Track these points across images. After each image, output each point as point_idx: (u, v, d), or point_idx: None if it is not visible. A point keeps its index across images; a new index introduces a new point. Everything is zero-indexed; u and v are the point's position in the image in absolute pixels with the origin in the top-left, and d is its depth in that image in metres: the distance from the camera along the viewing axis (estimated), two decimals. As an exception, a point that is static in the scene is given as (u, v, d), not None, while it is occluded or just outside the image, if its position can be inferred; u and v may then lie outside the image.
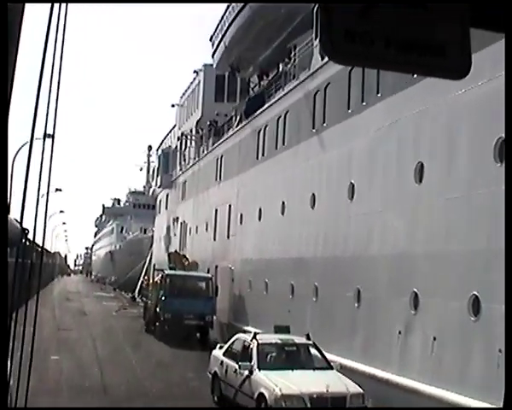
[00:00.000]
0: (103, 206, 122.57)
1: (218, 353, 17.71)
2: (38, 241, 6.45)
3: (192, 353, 25.55)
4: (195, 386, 19.16)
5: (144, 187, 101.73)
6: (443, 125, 15.44)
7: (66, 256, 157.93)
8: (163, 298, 30.50)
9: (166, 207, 53.79)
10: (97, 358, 23.07)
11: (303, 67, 25.34)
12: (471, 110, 14.24)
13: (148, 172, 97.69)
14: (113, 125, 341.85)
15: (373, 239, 18.26)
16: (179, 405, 16.70)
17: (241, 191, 31.28)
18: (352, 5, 2.34)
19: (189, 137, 46.65)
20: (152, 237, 64.89)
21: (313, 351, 16.11)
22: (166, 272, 32.76)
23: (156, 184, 59.23)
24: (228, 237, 33.08)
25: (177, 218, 47.14)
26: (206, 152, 41.03)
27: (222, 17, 36.83)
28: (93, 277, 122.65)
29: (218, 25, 37.87)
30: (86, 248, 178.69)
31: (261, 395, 14.24)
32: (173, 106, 53.39)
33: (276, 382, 14.14)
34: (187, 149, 47.13)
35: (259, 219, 28.07)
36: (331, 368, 15.38)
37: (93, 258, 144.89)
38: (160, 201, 58.13)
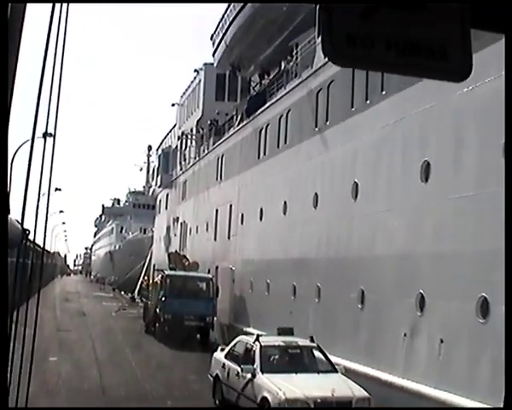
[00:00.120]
0: (103, 206, 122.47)
1: (219, 355, 17.35)
2: (39, 241, 6.48)
3: (192, 354, 25.24)
4: (196, 389, 18.84)
5: (144, 187, 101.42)
6: (450, 122, 15.13)
7: (65, 256, 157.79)
8: (163, 299, 30.18)
9: (166, 207, 53.51)
10: (96, 359, 22.78)
11: (305, 65, 25.05)
12: (479, 107, 13.91)
13: (148, 172, 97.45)
14: (113, 124, 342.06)
15: (377, 239, 17.94)
16: (179, 406, 16.44)
17: (243, 191, 30.97)
18: (353, 8, 2.33)
19: (189, 136, 46.37)
20: (152, 237, 64.66)
21: (317, 354, 15.76)
22: (166, 272, 32.45)
23: (156, 184, 58.96)
24: (229, 237, 32.76)
25: (178, 218, 46.85)
26: (206, 151, 40.72)
27: (223, 16, 36.54)
28: (92, 277, 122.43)
29: (219, 23, 37.58)
30: (86, 249, 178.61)
31: (264, 398, 13.88)
32: (173, 105, 53.15)
33: (280, 385, 13.79)
34: (187, 148, 46.84)
35: (261, 219, 27.76)
36: (336, 371, 15.02)
37: (92, 258, 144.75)
38: (160, 201, 57.84)
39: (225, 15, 35.94)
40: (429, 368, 14.93)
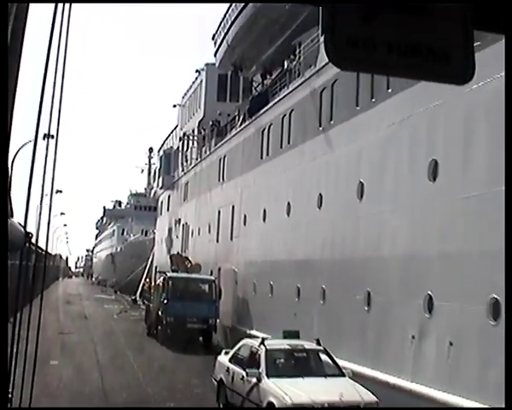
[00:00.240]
0: (104, 208, 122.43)
1: (223, 359, 17.00)
2: (41, 244, 6.32)
3: (195, 357, 24.99)
4: (200, 393, 18.55)
5: (145, 189, 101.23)
6: (458, 120, 14.81)
7: (67, 258, 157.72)
8: (165, 301, 29.89)
9: (168, 209, 53.25)
10: (98, 363, 22.50)
11: (308, 64, 24.75)
12: (489, 104, 13.58)
13: (149, 173, 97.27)
14: (114, 126, 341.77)
15: (384, 240, 17.62)
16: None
17: (245, 192, 30.67)
18: (355, 11, 2.33)
19: (191, 137, 46.11)
20: (153, 239, 64.40)
21: (324, 357, 15.40)
22: (169, 274, 32.15)
23: (158, 186, 58.71)
24: (231, 238, 32.46)
25: (179, 219, 46.58)
26: (208, 152, 40.44)
27: (224, 15, 36.28)
28: (94, 279, 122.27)
29: (221, 23, 37.31)
30: (87, 251, 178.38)
31: (270, 403, 13.52)
32: (175, 106, 52.91)
33: (286, 390, 13.42)
34: (189, 149, 46.59)
35: (264, 220, 27.46)
36: (343, 375, 14.66)
37: (94, 260, 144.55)
38: (162, 202, 57.58)
39: (227, 15, 35.68)
40: (438, 371, 14.61)
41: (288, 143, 25.76)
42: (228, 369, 16.19)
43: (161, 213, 58.00)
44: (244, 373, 14.94)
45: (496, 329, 12.80)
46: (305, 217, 23.19)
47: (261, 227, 27.76)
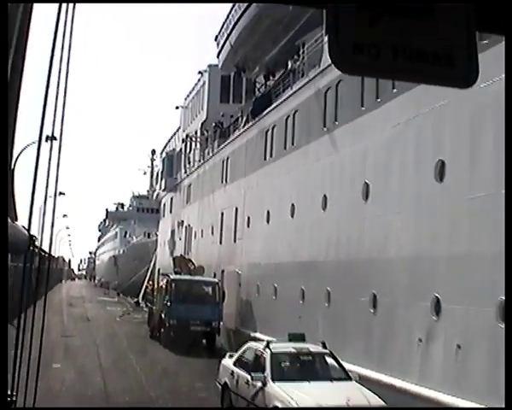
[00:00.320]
0: (107, 210, 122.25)
1: (227, 362, 16.77)
2: (44, 246, 6.45)
3: (198, 360, 24.77)
4: (204, 397, 18.33)
5: (148, 191, 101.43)
6: (465, 120, 14.60)
7: (70, 261, 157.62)
8: (168, 304, 29.68)
9: (171, 211, 53.08)
10: (100, 366, 22.30)
11: (312, 64, 24.56)
12: (496, 104, 13.35)
13: (152, 176, 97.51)
14: (116, 128, 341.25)
15: (390, 241, 17.40)
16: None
17: (249, 194, 30.48)
18: (359, 15, 2.34)
19: (193, 139, 45.93)
20: (156, 241, 64.28)
21: (330, 360, 15.17)
22: (172, 276, 31.92)
23: (160, 188, 58.56)
24: (234, 240, 32.26)
25: (182, 221, 46.39)
26: (211, 154, 40.25)
27: (227, 16, 36.13)
28: (97, 281, 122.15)
29: (224, 24, 37.15)
30: (90, 253, 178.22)
31: (275, 408, 13.29)
32: (177, 108, 52.72)
33: (292, 394, 13.18)
34: (192, 151, 46.41)
35: (268, 221, 27.26)
36: (350, 379, 14.43)
37: (97, 263, 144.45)
38: (165, 204, 57.41)
39: (230, 16, 35.53)
40: (446, 375, 14.38)
41: (292, 144, 25.56)
42: (232, 373, 15.96)
43: (164, 216, 57.84)
44: (249, 377, 14.67)
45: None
46: (309, 218, 22.99)
47: (265, 229, 27.57)
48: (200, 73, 45.79)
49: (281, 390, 13.53)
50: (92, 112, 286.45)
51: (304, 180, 23.80)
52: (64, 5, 4.30)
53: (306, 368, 14.93)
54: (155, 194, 66.59)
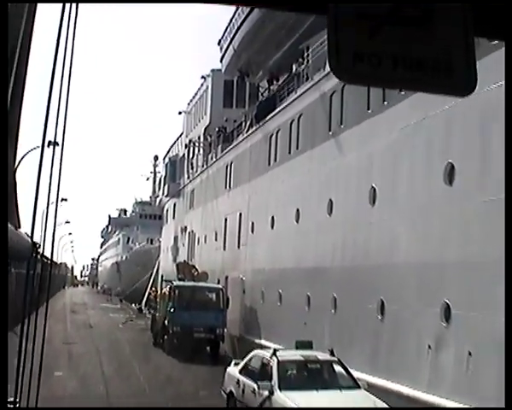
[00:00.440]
0: (109, 216, 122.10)
1: (233, 370, 16.41)
2: (47, 252, 6.31)
3: (202, 368, 24.41)
4: (208, 404, 18.00)
5: (151, 197, 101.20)
6: (475, 121, 14.28)
7: (72, 267, 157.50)
8: (172, 310, 29.36)
9: (174, 217, 52.81)
10: (103, 374, 21.99)
11: (317, 67, 24.27)
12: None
13: (155, 182, 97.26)
14: (119, 134, 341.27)
15: (398, 246, 17.07)
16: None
17: (253, 199, 30.18)
18: (359, 25, 2.36)
19: (196, 144, 45.68)
20: (159, 247, 64.02)
21: (338, 368, 14.81)
22: (175, 283, 31.63)
23: (163, 194, 58.31)
24: (238, 246, 31.96)
25: (185, 227, 46.12)
26: (214, 159, 39.98)
27: (230, 20, 35.93)
28: (99, 288, 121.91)
29: (227, 28, 36.96)
30: (92, 259, 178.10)
31: (283, 417, 12.99)
32: (180, 113, 52.50)
33: (300, 403, 12.84)
34: (195, 156, 46.19)
35: (272, 227, 26.95)
36: (358, 387, 14.08)
37: (99, 269, 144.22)
38: (168, 210, 57.14)
39: (233, 20, 35.33)
40: (456, 383, 14.03)
41: (297, 148, 25.28)
42: (238, 381, 15.60)
43: (167, 222, 57.57)
44: (255, 386, 14.32)
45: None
46: (314, 224, 22.68)
47: (269, 234, 27.26)
48: (203, 77, 45.63)
49: (288, 399, 13.18)
50: (94, 117, 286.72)
51: (309, 185, 23.49)
52: (66, 10, 4.23)
53: (314, 377, 14.58)
54: (158, 200, 66.29)
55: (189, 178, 47.56)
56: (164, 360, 27.04)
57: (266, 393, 13.79)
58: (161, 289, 36.29)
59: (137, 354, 28.11)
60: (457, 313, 14.28)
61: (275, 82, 33.21)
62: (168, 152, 62.81)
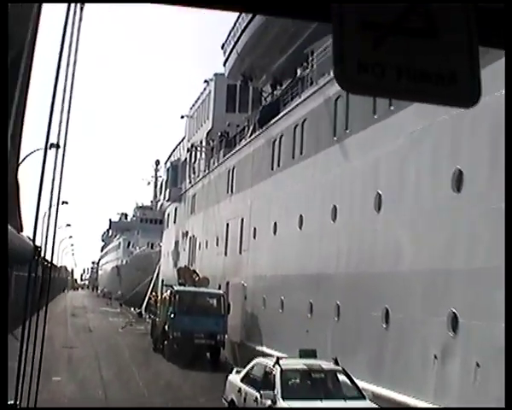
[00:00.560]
0: (110, 220, 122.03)
1: (234, 378, 16.09)
2: (47, 256, 6.43)
3: (202, 374, 24.13)
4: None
5: (151, 202, 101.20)
6: (485, 126, 13.99)
7: (72, 271, 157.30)
8: (172, 315, 29.05)
9: (175, 222, 52.55)
10: (102, 379, 21.69)
11: (322, 72, 24.02)
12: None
13: (156, 186, 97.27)
14: (120, 137, 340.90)
15: (403, 253, 16.77)
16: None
17: (255, 204, 29.90)
18: (363, 36, 2.37)
19: (198, 148, 45.42)
20: (159, 252, 63.80)
21: (342, 378, 14.48)
22: (176, 288, 31.33)
23: (164, 198, 58.09)
24: (240, 252, 31.67)
25: (187, 232, 45.85)
26: (217, 164, 39.70)
27: (234, 24, 35.80)
28: (99, 292, 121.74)
29: (230, 32, 36.81)
30: (92, 263, 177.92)
31: (286, 428, 12.67)
32: (182, 117, 52.26)
33: (303, 414, 12.56)
34: (197, 161, 45.93)
35: (274, 233, 26.66)
36: (364, 397, 13.76)
37: (99, 273, 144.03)
38: (169, 215, 56.88)
39: (237, 24, 35.18)
40: (463, 394, 13.71)
41: (301, 153, 25.01)
42: (240, 389, 15.28)
43: (168, 226, 57.30)
44: (258, 395, 13.99)
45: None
46: (318, 230, 22.39)
47: (271, 240, 26.98)
48: (205, 81, 45.40)
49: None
50: (95, 121, 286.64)
51: (313, 190, 23.21)
52: (71, 12, 4.26)
53: (318, 386, 14.24)
54: (159, 204, 66.16)
55: (190, 182, 47.31)
56: (164, 366, 26.76)
57: (269, 402, 13.48)
58: (162, 294, 36.04)
59: (137, 359, 27.85)
60: (465, 323, 13.98)
61: (278, 87, 32.97)
62: (170, 156, 62.62)
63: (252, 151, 31.77)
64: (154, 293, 46.81)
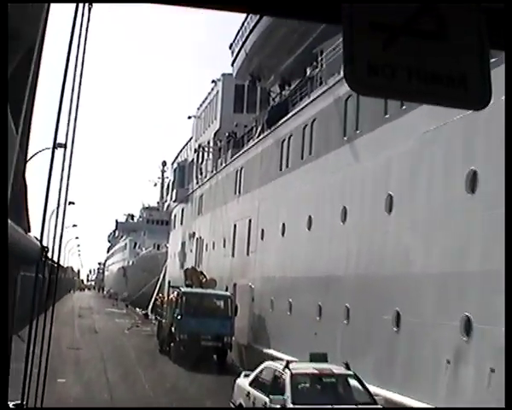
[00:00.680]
0: (116, 221, 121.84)
1: (243, 382, 15.78)
2: (54, 256, 6.33)
3: (209, 377, 23.87)
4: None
5: (158, 203, 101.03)
6: (500, 125, 13.66)
7: (79, 271, 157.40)
8: (179, 317, 28.80)
9: (182, 223, 52.36)
10: (107, 382, 21.43)
11: (331, 72, 23.72)
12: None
13: (162, 187, 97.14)
14: (127, 138, 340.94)
15: (415, 256, 16.46)
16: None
17: (263, 205, 29.62)
18: (374, 38, 2.38)
19: (206, 149, 45.20)
20: (166, 253, 63.64)
21: (353, 383, 14.16)
22: (183, 289, 31.10)
23: (171, 199, 57.94)
24: (247, 253, 31.40)
25: (194, 233, 45.63)
26: (224, 164, 39.46)
27: (242, 24, 35.52)
28: (105, 292, 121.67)
29: (238, 32, 36.56)
30: (99, 264, 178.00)
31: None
32: (190, 118, 52.10)
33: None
34: (204, 161, 45.73)
35: (283, 234, 26.38)
36: (375, 403, 13.45)
37: (106, 273, 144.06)
38: (175, 216, 56.69)
39: (245, 24, 34.90)
40: (477, 399, 13.38)
41: (310, 153, 24.74)
42: (248, 394, 14.96)
43: (174, 227, 57.11)
44: (267, 399, 13.65)
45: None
46: (327, 231, 22.10)
47: (280, 242, 26.70)
48: (213, 81, 45.22)
49: (302, 415, 12.56)
50: (102, 121, 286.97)
51: (322, 191, 22.92)
52: (79, 12, 4.20)
53: (329, 391, 13.97)
54: (166, 205, 65.99)
55: (197, 183, 47.10)
56: (170, 368, 26.55)
57: (278, 407, 13.19)
58: (168, 296, 35.80)
59: (143, 361, 27.57)
60: (479, 327, 13.66)
61: (286, 87, 32.72)
62: (177, 157, 62.47)
63: (260, 151, 31.51)
64: (160, 294, 46.63)
